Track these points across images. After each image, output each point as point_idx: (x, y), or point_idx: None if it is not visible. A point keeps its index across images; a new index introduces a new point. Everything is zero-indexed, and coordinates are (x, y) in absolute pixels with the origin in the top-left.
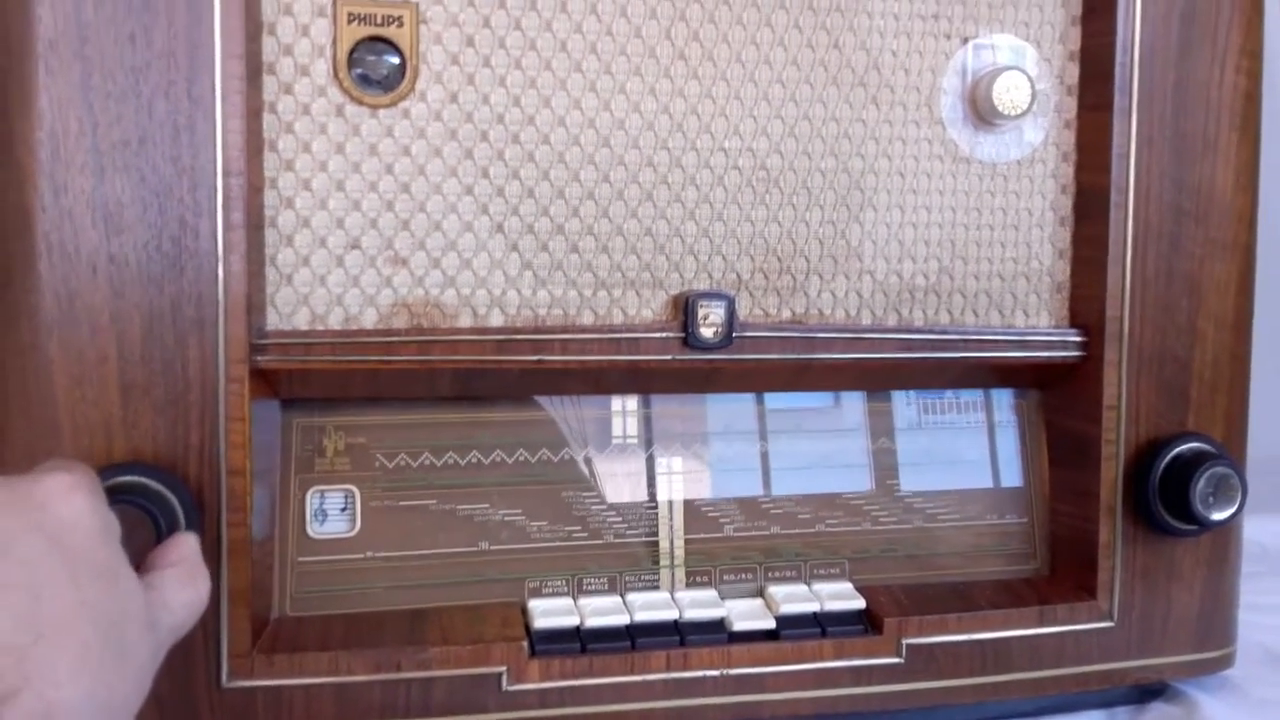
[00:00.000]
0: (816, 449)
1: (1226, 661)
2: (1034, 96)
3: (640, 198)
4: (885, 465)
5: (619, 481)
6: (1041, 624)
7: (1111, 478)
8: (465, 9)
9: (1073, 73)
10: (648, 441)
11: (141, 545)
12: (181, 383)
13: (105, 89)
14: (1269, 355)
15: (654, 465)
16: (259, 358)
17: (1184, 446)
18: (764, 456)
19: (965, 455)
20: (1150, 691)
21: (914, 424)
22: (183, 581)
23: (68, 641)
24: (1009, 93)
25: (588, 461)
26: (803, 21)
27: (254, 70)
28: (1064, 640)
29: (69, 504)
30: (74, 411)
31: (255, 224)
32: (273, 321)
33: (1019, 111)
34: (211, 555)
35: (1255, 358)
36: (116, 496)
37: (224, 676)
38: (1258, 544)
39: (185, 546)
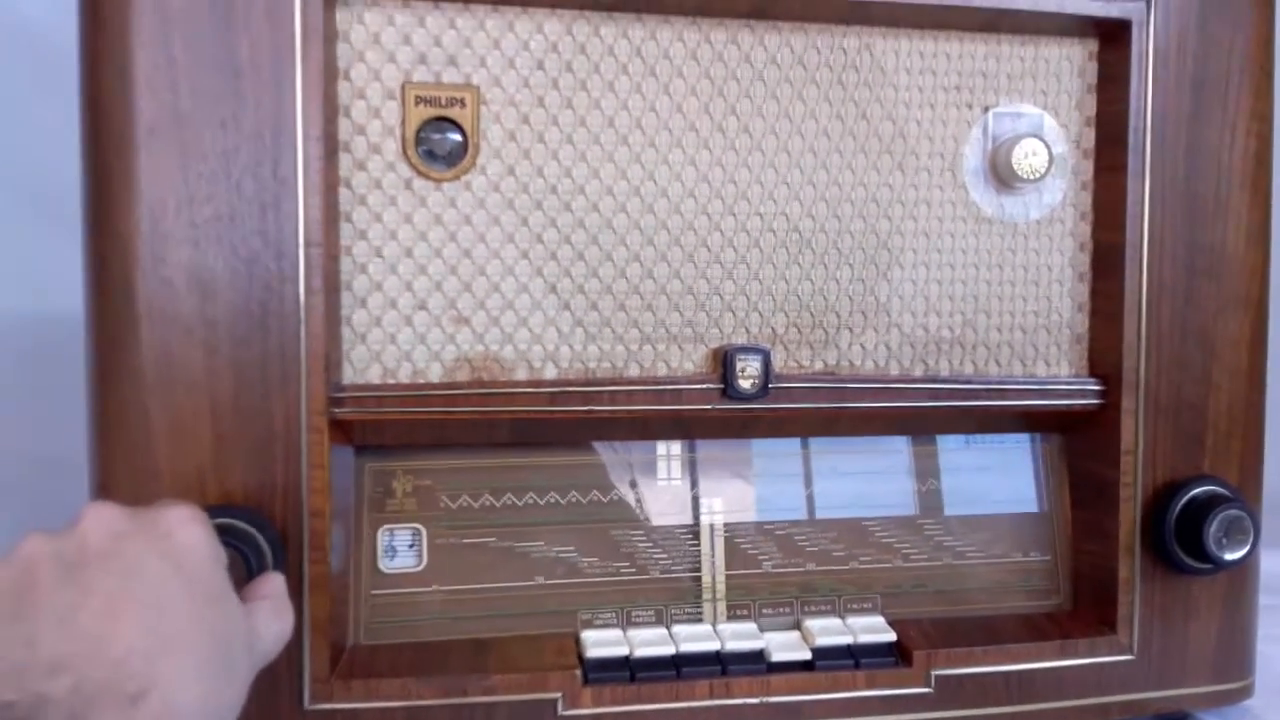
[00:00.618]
0: (852, 489)
1: (1245, 692)
2: (1051, 161)
3: (682, 259)
4: (919, 505)
5: (664, 520)
6: (1063, 656)
7: (1130, 519)
8: (521, 90)
9: (1089, 137)
10: (691, 483)
11: (235, 580)
12: (268, 433)
13: (199, 170)
14: None
15: (697, 505)
16: (336, 410)
17: (1199, 490)
18: (801, 497)
19: (992, 496)
20: None
21: (947, 467)
22: (273, 613)
23: (187, 652)
24: (1027, 159)
25: (635, 502)
26: (832, 95)
27: (331, 150)
28: (1086, 672)
29: (188, 533)
30: (172, 460)
31: (333, 288)
32: (348, 376)
33: (1037, 176)
34: (294, 589)
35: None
36: None
37: (306, 699)
38: (1279, 577)
39: (275, 583)
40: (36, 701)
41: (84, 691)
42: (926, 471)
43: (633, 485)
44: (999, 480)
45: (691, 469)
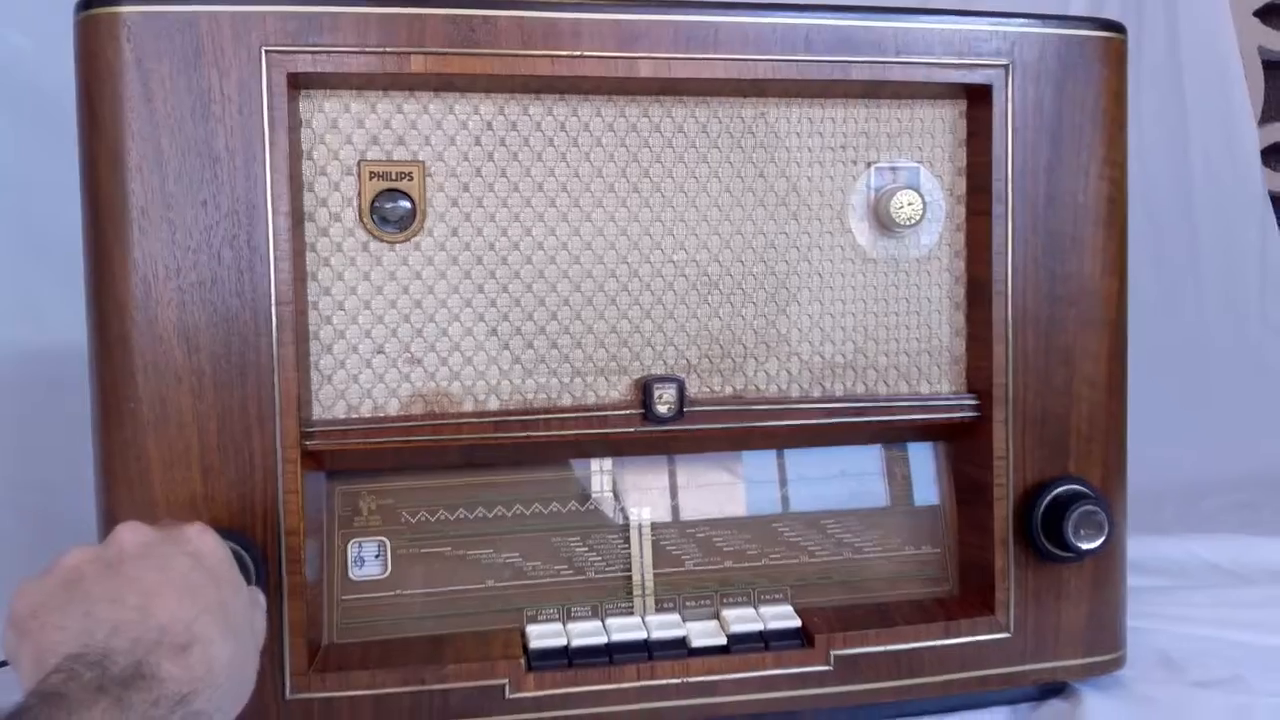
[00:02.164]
0: (764, 496)
1: (1117, 664)
2: (925, 209)
3: (606, 302)
4: (820, 508)
5: (598, 528)
6: (947, 636)
7: (1003, 515)
8: (461, 163)
9: (961, 185)
10: (620, 495)
11: None
12: (249, 465)
13: (185, 243)
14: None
15: (626, 514)
16: (308, 442)
17: (1061, 489)
18: (718, 503)
19: (887, 496)
20: (1051, 690)
21: (845, 471)
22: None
23: (216, 619)
24: (903, 208)
25: (571, 513)
26: (733, 157)
27: (297, 220)
28: (967, 649)
29: (205, 540)
30: (167, 490)
31: (301, 338)
32: (317, 413)
33: (913, 222)
34: (275, 596)
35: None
36: None
37: (287, 691)
38: (1175, 561)
39: (255, 594)
40: (104, 650)
41: (144, 642)
42: (832, 475)
43: (569, 498)
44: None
45: (620, 483)
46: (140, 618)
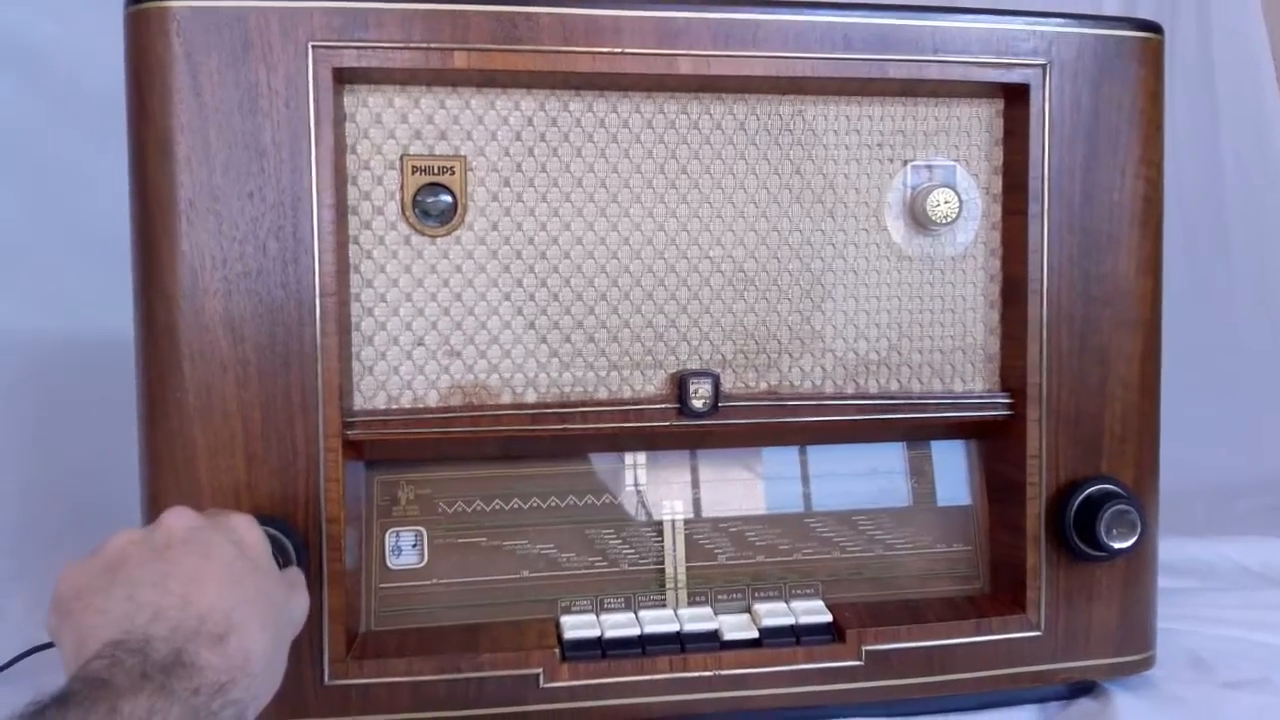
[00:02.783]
0: (796, 492)
1: (1146, 664)
2: (961, 207)
3: (643, 297)
4: (851, 505)
5: (632, 520)
6: (979, 633)
7: (1035, 514)
8: (503, 158)
9: (997, 184)
10: (655, 488)
11: None
12: (291, 453)
13: (231, 235)
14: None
15: (660, 507)
16: (349, 432)
17: (1093, 488)
18: (752, 498)
19: (919, 494)
20: (1080, 689)
21: (876, 469)
22: (299, 595)
23: (254, 610)
24: (940, 206)
25: (606, 505)
26: (770, 154)
27: (341, 213)
28: (998, 647)
29: (249, 530)
30: (212, 477)
31: (344, 330)
32: (358, 403)
33: (949, 220)
34: (315, 583)
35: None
36: None
37: (326, 677)
38: (1205, 563)
39: (293, 574)
40: (145, 637)
41: (183, 629)
42: (863, 473)
43: (604, 491)
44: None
45: (655, 476)
46: (181, 604)
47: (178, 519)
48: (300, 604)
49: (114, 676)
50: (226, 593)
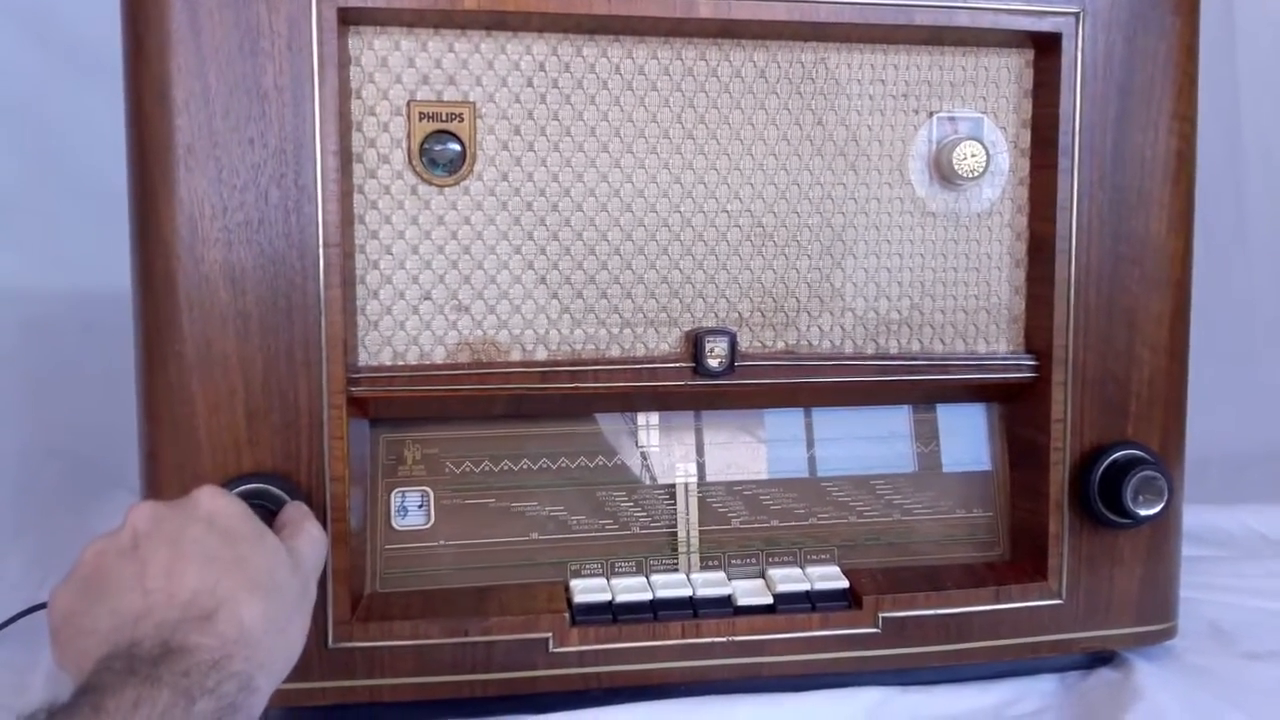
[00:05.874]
0: (813, 455)
1: (1168, 634)
2: (989, 162)
3: (657, 252)
4: (869, 469)
5: (644, 483)
6: (998, 601)
7: (1059, 479)
8: (513, 105)
9: (1026, 138)
10: (667, 449)
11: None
12: (294, 409)
13: (231, 182)
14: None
15: (673, 469)
16: (353, 389)
17: (1119, 454)
18: (766, 460)
19: (937, 458)
20: (1101, 659)
21: (896, 433)
22: (304, 535)
23: (239, 579)
24: (966, 160)
25: (618, 467)
26: (791, 104)
27: (345, 161)
28: (1018, 614)
29: (214, 500)
30: (211, 434)
31: (348, 282)
32: (363, 359)
33: (976, 175)
34: None
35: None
36: (248, 501)
37: (330, 639)
38: (1225, 531)
39: (298, 509)
40: (130, 644)
41: (167, 624)
42: (881, 436)
43: (616, 452)
44: (951, 443)
45: (667, 437)
46: (163, 599)
47: (139, 514)
48: (306, 545)
49: (101, 680)
50: (205, 572)
